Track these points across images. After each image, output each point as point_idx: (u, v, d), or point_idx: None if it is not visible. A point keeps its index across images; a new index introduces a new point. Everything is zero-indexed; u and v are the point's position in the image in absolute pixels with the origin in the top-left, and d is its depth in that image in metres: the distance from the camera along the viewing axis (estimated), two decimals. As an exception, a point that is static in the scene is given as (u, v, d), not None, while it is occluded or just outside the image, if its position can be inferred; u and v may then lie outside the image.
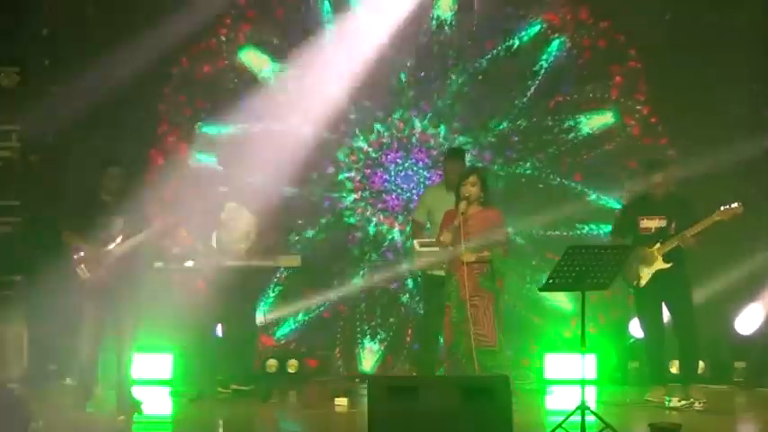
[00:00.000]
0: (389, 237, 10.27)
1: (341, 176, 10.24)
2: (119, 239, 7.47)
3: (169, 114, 10.31)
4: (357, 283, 9.98)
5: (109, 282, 7.46)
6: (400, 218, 10.24)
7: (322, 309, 9.89)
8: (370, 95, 10.27)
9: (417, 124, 10.41)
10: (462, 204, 7.14)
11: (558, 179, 10.20)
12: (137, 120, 9.92)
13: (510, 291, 8.99)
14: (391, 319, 9.76)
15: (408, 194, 10.21)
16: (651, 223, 7.90)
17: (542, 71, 10.33)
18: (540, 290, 7.00)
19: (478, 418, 5.69)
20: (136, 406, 7.65)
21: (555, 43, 10.40)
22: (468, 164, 8.80)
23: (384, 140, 10.31)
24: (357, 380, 9.06)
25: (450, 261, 7.27)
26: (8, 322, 8.69)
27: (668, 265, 7.76)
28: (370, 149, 10.31)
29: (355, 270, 10.15)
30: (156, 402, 8.16)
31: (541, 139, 10.27)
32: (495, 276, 7.15)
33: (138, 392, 7.83)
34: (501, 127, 10.32)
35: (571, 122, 10.34)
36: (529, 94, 10.33)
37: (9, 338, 8.69)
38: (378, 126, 10.36)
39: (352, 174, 10.27)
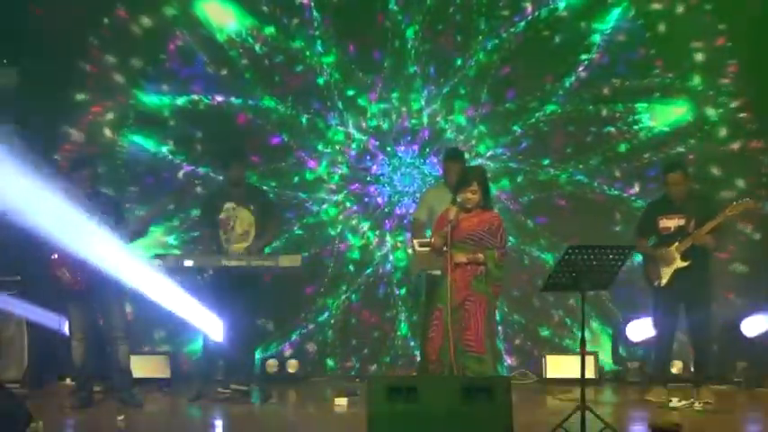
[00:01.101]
0: (377, 254, 9.46)
1: (320, 171, 9.44)
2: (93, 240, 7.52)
3: (95, 78, 9.36)
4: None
5: (91, 282, 7.50)
6: (390, 234, 9.35)
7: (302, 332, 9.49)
8: (366, 68, 9.36)
9: (426, 108, 9.30)
10: (453, 212, 6.83)
11: (610, 190, 9.02)
12: (47, 83, 9.03)
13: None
14: (389, 316, 9.56)
15: (406, 198, 9.34)
16: (670, 222, 7.95)
17: (596, 45, 8.79)
18: (541, 290, 7.00)
19: (478, 418, 5.69)
20: (137, 406, 7.67)
21: (615, 10, 8.86)
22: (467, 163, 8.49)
23: (381, 127, 9.38)
24: (357, 380, 9.07)
25: (442, 262, 7.03)
26: (8, 322, 8.69)
27: (687, 264, 7.81)
28: (363, 138, 9.43)
29: (332, 296, 9.44)
30: (156, 402, 8.16)
31: (589, 136, 8.88)
32: (490, 281, 6.94)
33: (138, 392, 7.85)
34: (536, 117, 8.92)
35: (631, 115, 8.80)
36: (576, 75, 8.85)
37: (9, 339, 8.70)
38: (372, 109, 9.37)
39: (336, 169, 9.47)
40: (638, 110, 8.75)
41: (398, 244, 9.56)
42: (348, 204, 9.61)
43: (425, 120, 9.51)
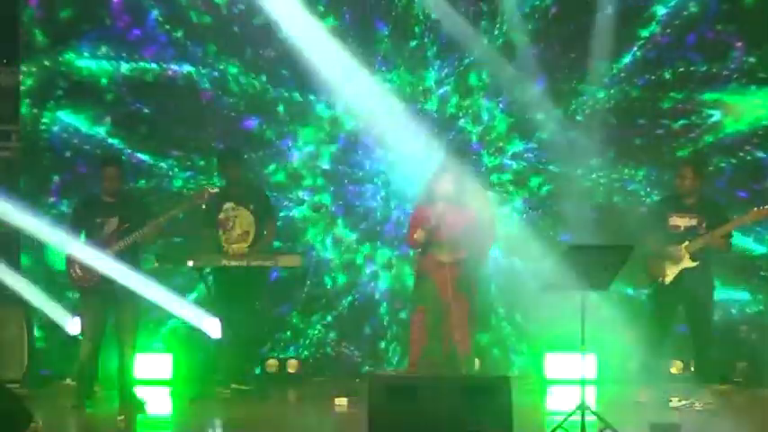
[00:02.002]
0: (364, 273, 8.60)
1: (296, 164, 8.55)
2: (112, 240, 7.52)
3: (25, 38, 8.17)
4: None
5: (102, 282, 7.49)
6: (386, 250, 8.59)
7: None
8: (366, 40, 8.35)
9: (435, 89, 8.29)
10: (440, 205, 6.88)
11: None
12: None
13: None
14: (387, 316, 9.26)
15: (408, 206, 8.16)
16: (681, 221, 7.87)
17: (657, 19, 7.60)
18: (541, 290, 7.00)
19: (478, 418, 5.69)
20: (139, 406, 7.67)
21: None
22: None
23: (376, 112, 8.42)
24: (357, 380, 9.06)
25: (424, 261, 7.07)
26: (8, 323, 8.69)
27: (695, 264, 7.77)
28: (352, 126, 8.48)
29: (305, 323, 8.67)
30: (156, 402, 8.15)
31: (640, 134, 7.83)
32: (472, 279, 6.94)
33: (140, 392, 7.85)
34: (572, 108, 7.85)
35: (698, 110, 7.62)
36: (629, 56, 7.71)
37: (9, 339, 8.70)
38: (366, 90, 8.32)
39: (318, 164, 8.61)
40: (708, 103, 7.58)
41: (394, 261, 8.82)
42: (332, 208, 8.85)
43: (434, 104, 8.61)
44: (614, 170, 8.18)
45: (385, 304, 8.87)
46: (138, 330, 7.75)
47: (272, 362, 9.21)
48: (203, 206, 7.93)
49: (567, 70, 8.22)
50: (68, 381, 8.68)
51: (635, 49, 7.81)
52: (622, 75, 7.90)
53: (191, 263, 7.95)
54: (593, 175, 8.13)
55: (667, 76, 7.75)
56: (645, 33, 7.83)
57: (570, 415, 6.39)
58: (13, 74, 9.05)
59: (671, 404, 7.73)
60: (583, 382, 6.43)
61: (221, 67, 8.66)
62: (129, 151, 8.67)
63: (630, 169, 7.95)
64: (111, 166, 7.67)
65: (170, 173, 8.91)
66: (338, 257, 8.85)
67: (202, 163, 8.93)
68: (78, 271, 7.54)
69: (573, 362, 8.47)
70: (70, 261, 7.58)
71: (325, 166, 8.89)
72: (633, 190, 8.13)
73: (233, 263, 7.93)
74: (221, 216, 8.17)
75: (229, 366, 8.36)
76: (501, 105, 8.46)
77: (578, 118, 8.26)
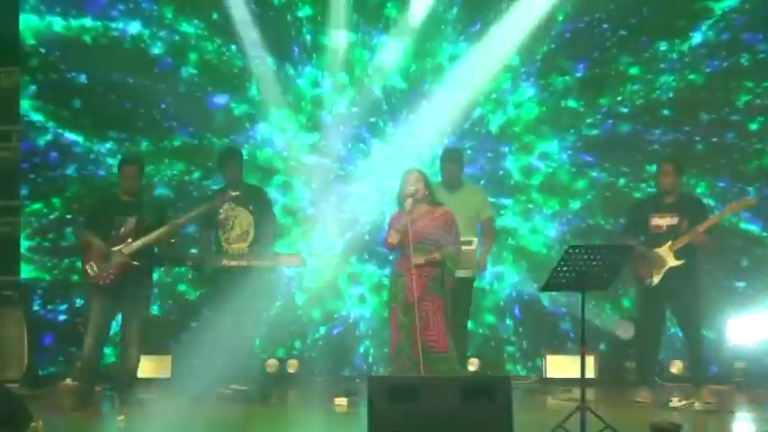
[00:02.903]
0: (347, 298, 8.13)
1: (271, 157, 8.08)
2: (129, 239, 7.52)
3: None
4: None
5: (116, 281, 7.52)
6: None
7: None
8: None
9: (447, 66, 7.44)
10: (408, 202, 6.82)
11: (742, 224, 7.13)
12: None
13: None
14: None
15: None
16: (662, 221, 7.87)
17: None
18: (541, 290, 7.01)
19: (478, 418, 5.69)
20: (138, 405, 7.67)
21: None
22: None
23: (371, 93, 7.78)
24: (357, 380, 9.06)
25: (399, 262, 7.05)
26: (8, 323, 8.70)
27: (680, 263, 7.76)
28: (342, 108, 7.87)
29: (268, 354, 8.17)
30: (156, 402, 8.15)
31: (712, 134, 6.92)
32: (445, 279, 6.94)
33: (140, 392, 7.85)
34: (619, 98, 6.95)
35: None
36: (699, 36, 6.70)
37: (9, 339, 8.70)
38: (360, 60, 7.44)
39: (296, 154, 8.10)
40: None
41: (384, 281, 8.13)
42: (310, 211, 8.27)
43: (445, 84, 7.81)
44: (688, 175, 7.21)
45: (368, 343, 8.42)
46: (142, 330, 7.76)
47: (272, 362, 9.22)
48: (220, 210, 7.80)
49: (614, 50, 7.42)
50: (68, 381, 8.69)
51: (705, 27, 6.76)
52: (686, 59, 6.85)
53: (190, 263, 7.95)
54: (644, 185, 7.29)
55: (744, 62, 6.58)
56: (719, 7, 6.71)
57: (570, 415, 6.39)
58: (13, 74, 9.09)
59: (671, 404, 7.74)
60: (583, 383, 6.43)
61: (181, 28, 7.87)
62: (57, 130, 7.92)
63: (689, 178, 6.79)
64: (130, 165, 7.68)
65: (106, 160, 8.08)
66: (314, 277, 8.29)
67: (148, 147, 8.14)
68: (95, 268, 7.55)
69: (573, 362, 8.50)
70: (86, 258, 7.58)
71: (305, 158, 8.29)
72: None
73: (233, 263, 7.93)
74: (221, 216, 8.17)
75: (229, 366, 8.36)
76: (531, 90, 7.66)
77: (623, 110, 7.58)
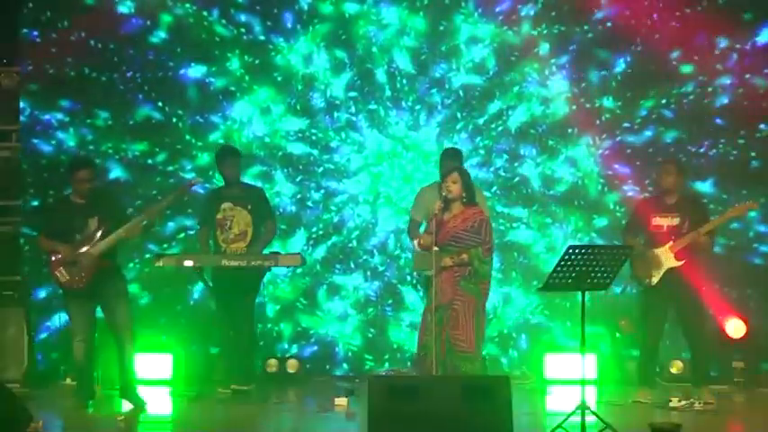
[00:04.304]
0: (329, 320, 7.64)
1: (245, 139, 7.54)
2: (95, 240, 7.53)
3: None
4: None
5: (92, 282, 7.51)
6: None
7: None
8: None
9: (464, 49, 6.85)
10: (437, 204, 6.92)
11: None
12: None
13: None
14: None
15: (392, 222, 7.41)
16: (663, 221, 7.85)
17: None
18: (540, 290, 7.01)
19: (478, 418, 5.69)
20: (141, 406, 7.68)
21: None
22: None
23: (371, 74, 7.15)
24: (357, 380, 9.05)
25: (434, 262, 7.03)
26: (8, 323, 8.70)
27: (681, 263, 7.75)
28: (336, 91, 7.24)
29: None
30: (156, 402, 8.15)
31: None
32: (477, 279, 6.99)
33: (140, 392, 7.84)
34: (669, 93, 6.32)
35: None
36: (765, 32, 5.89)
37: (9, 339, 8.70)
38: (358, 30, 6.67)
39: (278, 142, 7.51)
40: None
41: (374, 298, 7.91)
42: (291, 209, 7.83)
43: (460, 68, 7.14)
44: (715, 197, 6.71)
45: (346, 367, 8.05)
46: (133, 327, 7.76)
47: (272, 362, 9.21)
48: (185, 198, 7.57)
49: (663, 44, 6.61)
50: (68, 381, 8.68)
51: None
52: (746, 59, 6.11)
53: (190, 263, 7.94)
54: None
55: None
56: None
57: (570, 415, 6.39)
58: (13, 74, 9.08)
59: (671, 404, 7.73)
60: (583, 382, 6.43)
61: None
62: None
63: (737, 194, 6.08)
64: (83, 169, 7.61)
65: (56, 134, 7.63)
66: (291, 289, 8.02)
67: (107, 121, 7.61)
68: (65, 274, 7.54)
69: (573, 362, 8.50)
70: (54, 264, 7.56)
71: (290, 147, 7.78)
72: (741, 230, 6.60)
73: (232, 263, 7.93)
74: (219, 216, 8.17)
75: (229, 366, 8.36)
76: (561, 84, 6.92)
77: (667, 113, 7.08)
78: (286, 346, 8.55)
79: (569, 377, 8.62)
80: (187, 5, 7.19)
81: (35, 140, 8.71)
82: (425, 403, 5.73)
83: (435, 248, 6.88)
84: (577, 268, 6.33)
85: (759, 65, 6.40)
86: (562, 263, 6.34)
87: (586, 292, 6.40)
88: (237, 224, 8.18)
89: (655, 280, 7.84)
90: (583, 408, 6.33)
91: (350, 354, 8.43)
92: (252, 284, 8.17)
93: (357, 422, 6.94)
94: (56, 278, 7.59)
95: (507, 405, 5.74)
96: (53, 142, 8.58)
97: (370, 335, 8.33)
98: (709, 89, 6.63)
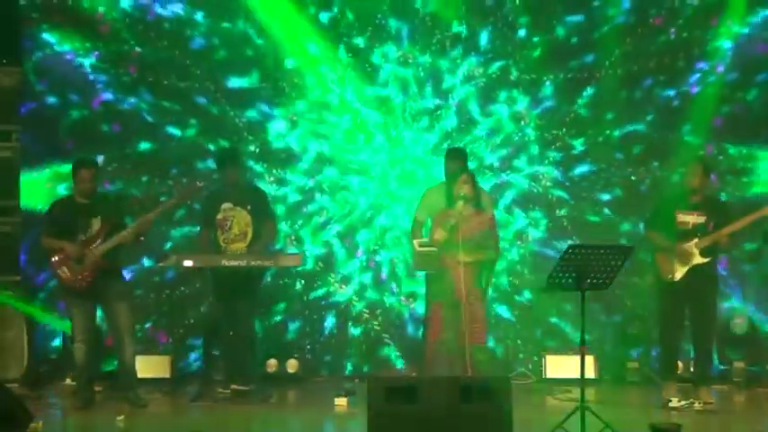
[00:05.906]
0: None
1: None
2: (99, 240, 7.55)
3: None
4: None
5: (93, 282, 7.52)
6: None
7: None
8: None
9: (459, 64, 6.64)
10: (460, 204, 7.38)
11: None
12: None
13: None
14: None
15: (399, 227, 7.97)
16: (689, 218, 7.83)
17: None
18: (541, 290, 7.04)
19: (478, 418, 5.69)
20: (141, 406, 7.68)
21: None
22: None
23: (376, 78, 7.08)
24: (357, 380, 9.05)
25: (443, 259, 7.48)
26: (8, 323, 8.70)
27: (706, 260, 7.74)
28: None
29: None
30: (156, 402, 8.15)
31: None
32: (486, 278, 7.59)
33: (140, 392, 7.85)
34: (685, 80, 5.68)
35: None
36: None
37: (9, 339, 8.70)
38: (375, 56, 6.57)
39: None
40: None
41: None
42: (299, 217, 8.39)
43: (457, 82, 6.94)
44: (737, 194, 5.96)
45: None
46: (133, 328, 7.76)
47: (272, 362, 9.21)
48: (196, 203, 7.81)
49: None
50: (68, 381, 8.68)
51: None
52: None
53: (190, 263, 7.94)
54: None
55: None
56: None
57: (570, 415, 6.39)
58: (13, 74, 9.08)
59: (671, 404, 7.73)
60: (583, 383, 6.43)
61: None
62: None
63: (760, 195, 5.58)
64: (86, 168, 7.65)
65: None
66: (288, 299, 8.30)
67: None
68: (67, 271, 7.54)
69: (573, 362, 8.49)
70: (58, 262, 7.57)
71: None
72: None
73: (232, 263, 7.93)
74: (219, 216, 8.16)
75: (229, 367, 8.36)
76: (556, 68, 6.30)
77: (675, 103, 6.66)
78: (286, 345, 8.74)
79: (569, 377, 8.62)
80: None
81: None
82: (425, 403, 5.74)
83: (433, 248, 7.37)
84: (577, 268, 6.33)
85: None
86: (562, 263, 6.34)
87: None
88: (237, 224, 8.18)
89: (678, 275, 7.80)
90: (583, 408, 6.33)
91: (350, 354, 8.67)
92: (252, 285, 8.17)
93: (357, 420, 6.95)
94: (58, 276, 7.60)
95: (507, 405, 5.75)
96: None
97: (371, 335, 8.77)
98: (730, 77, 6.18)
